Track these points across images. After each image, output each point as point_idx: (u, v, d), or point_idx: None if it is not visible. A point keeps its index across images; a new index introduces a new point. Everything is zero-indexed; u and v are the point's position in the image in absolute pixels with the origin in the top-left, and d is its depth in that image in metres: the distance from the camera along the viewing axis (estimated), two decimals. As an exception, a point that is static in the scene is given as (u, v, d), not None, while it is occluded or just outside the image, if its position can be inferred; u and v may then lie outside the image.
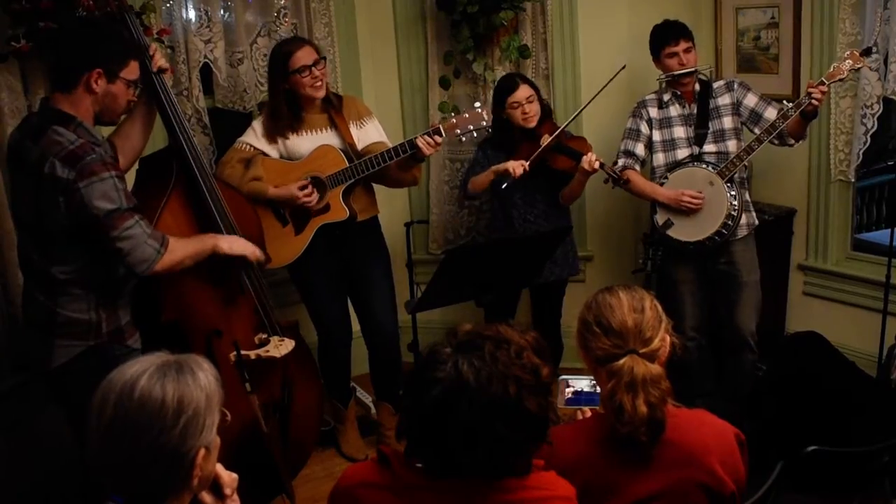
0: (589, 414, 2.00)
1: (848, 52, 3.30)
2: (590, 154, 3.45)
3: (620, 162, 3.66)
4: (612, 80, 3.53)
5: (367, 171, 3.37)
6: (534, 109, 3.61)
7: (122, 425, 1.41)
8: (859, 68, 3.33)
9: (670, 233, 3.55)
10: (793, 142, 3.47)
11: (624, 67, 3.56)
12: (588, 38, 4.17)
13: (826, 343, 3.38)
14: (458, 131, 3.36)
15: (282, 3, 3.85)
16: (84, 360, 2.49)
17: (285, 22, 3.88)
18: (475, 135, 3.40)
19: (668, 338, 1.89)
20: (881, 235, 4.49)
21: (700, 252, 3.56)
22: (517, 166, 3.43)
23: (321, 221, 3.42)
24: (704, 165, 3.50)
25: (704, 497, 1.83)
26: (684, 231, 3.53)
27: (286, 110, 3.40)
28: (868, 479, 2.55)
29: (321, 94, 3.40)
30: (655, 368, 1.81)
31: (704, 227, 3.48)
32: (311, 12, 3.92)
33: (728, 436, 1.90)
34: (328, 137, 3.46)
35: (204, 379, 1.48)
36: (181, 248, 2.57)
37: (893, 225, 3.47)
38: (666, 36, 3.51)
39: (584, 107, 3.70)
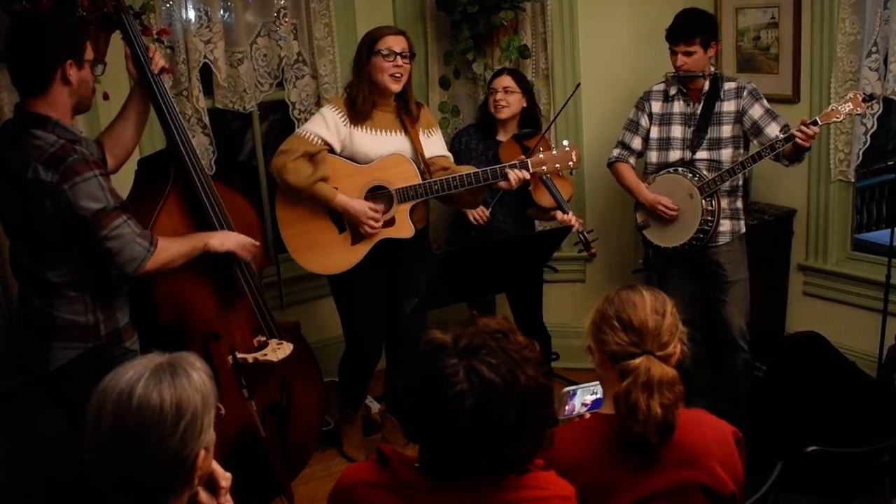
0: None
1: (851, 95, 3.25)
2: (572, 217, 3.41)
3: (615, 153, 3.72)
4: (569, 98, 3.77)
5: (443, 192, 3.21)
6: (507, 101, 3.67)
7: (121, 435, 1.39)
8: (858, 114, 3.32)
9: (646, 234, 3.68)
10: (787, 163, 3.45)
11: (578, 86, 3.81)
12: (588, 37, 4.17)
13: (826, 343, 3.37)
14: (545, 167, 3.26)
15: (282, 3, 3.84)
16: (82, 361, 2.48)
17: (285, 22, 3.87)
18: (560, 174, 3.39)
19: (679, 346, 1.90)
20: (881, 235, 4.49)
21: (679, 253, 3.62)
22: (478, 215, 3.59)
23: (384, 235, 3.24)
24: (691, 175, 3.52)
25: (704, 497, 1.83)
26: (658, 235, 3.66)
27: (366, 97, 3.22)
28: (868, 479, 2.55)
29: (397, 86, 3.23)
30: (670, 371, 1.82)
31: (677, 235, 3.59)
32: (311, 12, 3.92)
33: (727, 435, 1.91)
34: (398, 141, 3.30)
35: (198, 379, 1.46)
36: (171, 247, 2.53)
37: (893, 225, 3.47)
38: (671, 34, 3.49)
39: (549, 126, 3.90)
